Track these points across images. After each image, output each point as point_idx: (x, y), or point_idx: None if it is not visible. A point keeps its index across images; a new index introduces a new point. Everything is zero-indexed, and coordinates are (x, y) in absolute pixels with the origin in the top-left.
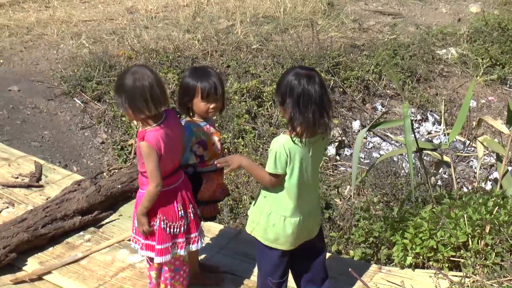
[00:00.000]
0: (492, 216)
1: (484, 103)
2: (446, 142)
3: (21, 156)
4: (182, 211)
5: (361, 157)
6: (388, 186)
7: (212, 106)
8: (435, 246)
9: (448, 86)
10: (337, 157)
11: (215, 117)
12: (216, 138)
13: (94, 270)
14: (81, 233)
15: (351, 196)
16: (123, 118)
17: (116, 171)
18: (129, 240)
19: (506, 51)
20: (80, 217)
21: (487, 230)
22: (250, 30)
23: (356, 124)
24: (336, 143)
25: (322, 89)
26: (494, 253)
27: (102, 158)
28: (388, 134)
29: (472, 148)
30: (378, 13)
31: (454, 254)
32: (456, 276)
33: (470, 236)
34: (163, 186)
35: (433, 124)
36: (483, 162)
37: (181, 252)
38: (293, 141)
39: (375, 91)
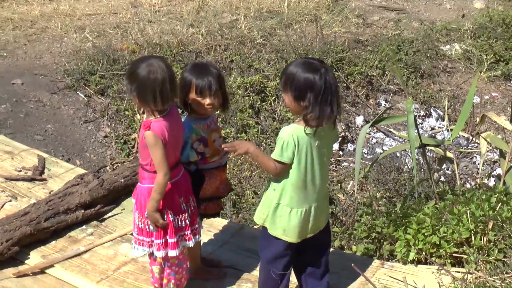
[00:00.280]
0: (495, 212)
1: (488, 99)
2: (449, 138)
3: (24, 149)
4: (184, 204)
5: (364, 152)
6: (391, 182)
7: (207, 102)
8: (437, 242)
9: (452, 82)
10: (340, 153)
11: (217, 113)
12: (217, 135)
13: (97, 264)
14: (84, 227)
15: (354, 191)
16: (126, 112)
17: (119, 165)
18: (134, 240)
19: (510, 47)
20: (82, 211)
21: (490, 226)
22: (254, 25)
23: (359, 120)
24: (339, 139)
25: (335, 79)
26: (496, 250)
27: (105, 152)
28: (391, 129)
29: (475, 144)
30: (382, 8)
31: (456, 250)
32: (459, 272)
33: (473, 232)
34: None
35: (437, 120)
36: (486, 158)
37: (190, 244)
38: (305, 132)
39: (378, 87)
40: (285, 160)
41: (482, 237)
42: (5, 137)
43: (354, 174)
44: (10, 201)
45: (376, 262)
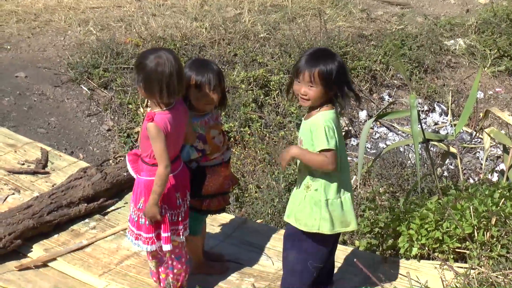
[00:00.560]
0: (498, 208)
1: (492, 94)
2: (452, 133)
3: (27, 142)
4: (180, 199)
5: (367, 147)
6: (394, 177)
7: (206, 99)
8: (440, 237)
9: (456, 77)
10: None
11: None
12: (216, 132)
13: (99, 257)
14: (87, 220)
15: (357, 186)
16: (130, 106)
17: (122, 158)
18: (129, 232)
19: None
20: (85, 205)
21: (493, 222)
22: (258, 19)
23: (363, 114)
24: (343, 133)
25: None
26: (499, 245)
27: (108, 146)
28: (395, 124)
29: (479, 140)
30: (386, 3)
31: (459, 245)
32: (462, 267)
33: (476, 227)
34: None
35: (440, 115)
36: (489, 154)
37: (181, 238)
38: (336, 114)
39: (382, 81)
40: (333, 147)
41: (485, 232)
42: (8, 130)
43: (357, 169)
44: (13, 194)
45: (378, 257)
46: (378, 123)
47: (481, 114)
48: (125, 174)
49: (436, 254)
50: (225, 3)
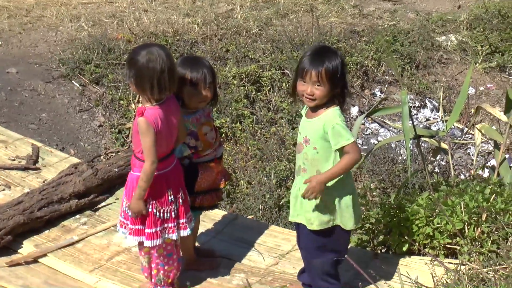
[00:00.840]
0: (489, 203)
1: (483, 90)
2: (444, 129)
3: (18, 138)
4: (172, 196)
5: (358, 143)
6: (385, 173)
7: (200, 97)
8: (431, 233)
9: (447, 73)
10: None
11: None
12: (208, 128)
13: (90, 253)
14: (77, 216)
15: None
16: (121, 102)
17: (113, 154)
18: (119, 224)
19: (505, 39)
20: (76, 200)
21: (484, 218)
22: (250, 15)
23: (354, 110)
24: None
25: None
26: (490, 241)
27: (99, 141)
28: (386, 120)
29: (470, 136)
30: None
31: (450, 241)
32: (452, 263)
33: (466, 223)
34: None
35: (432, 111)
36: (480, 150)
37: (173, 236)
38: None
39: (374, 77)
40: (353, 137)
41: (475, 228)
42: None
43: None
44: (4, 190)
45: (369, 253)
46: (369, 119)
47: (473, 110)
48: (116, 170)
49: (426, 250)
50: None
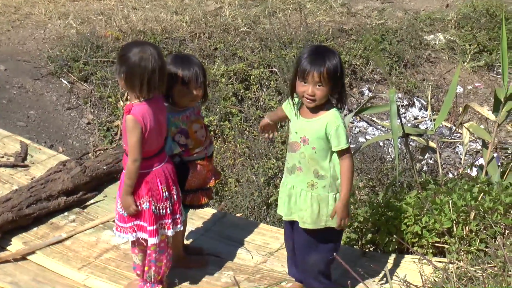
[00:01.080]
0: (477, 202)
1: (471, 89)
2: (432, 127)
3: (7, 135)
4: (166, 192)
5: None
6: (373, 171)
7: (191, 96)
8: (419, 232)
9: (435, 72)
10: None
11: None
12: (198, 126)
13: (78, 251)
14: (66, 213)
15: None
16: (110, 99)
17: (102, 152)
18: (115, 228)
19: (493, 38)
20: (65, 198)
21: (472, 217)
22: (238, 13)
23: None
24: None
25: None
26: (478, 240)
27: (88, 139)
28: (375, 119)
29: (458, 134)
30: None
31: (438, 240)
32: (440, 262)
33: (454, 222)
34: (148, 167)
35: (420, 109)
36: (468, 149)
37: (169, 232)
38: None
39: (362, 76)
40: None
41: (464, 227)
42: None
43: None
44: None
45: (358, 252)
46: (358, 117)
47: (461, 109)
48: (104, 167)
49: (415, 248)
50: None
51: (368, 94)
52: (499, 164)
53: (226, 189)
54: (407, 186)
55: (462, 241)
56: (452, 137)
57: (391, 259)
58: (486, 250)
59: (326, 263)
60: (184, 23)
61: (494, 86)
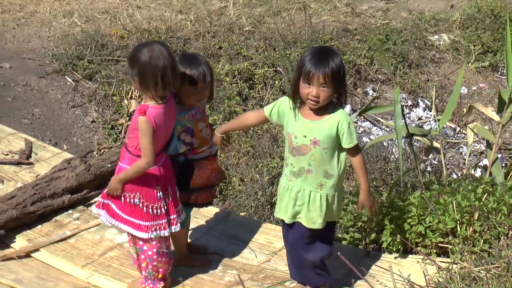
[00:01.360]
0: (481, 203)
1: (475, 90)
2: (436, 128)
3: (12, 133)
4: (160, 193)
5: None
6: (377, 171)
7: (199, 95)
8: (423, 232)
9: (440, 72)
10: None
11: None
12: (203, 124)
13: (82, 248)
14: (70, 211)
15: None
16: (114, 98)
17: (106, 150)
18: (97, 205)
19: (498, 38)
20: (69, 196)
21: (476, 217)
22: (243, 12)
23: (347, 109)
24: None
25: None
26: (482, 240)
27: (92, 137)
28: (379, 118)
29: (462, 135)
30: None
31: (442, 240)
32: (444, 262)
33: (458, 222)
34: None
35: (424, 110)
36: (473, 149)
37: (165, 233)
38: None
39: (366, 76)
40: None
41: (467, 227)
42: None
43: None
44: None
45: (361, 251)
46: (362, 117)
47: (465, 110)
48: (108, 165)
49: (418, 248)
50: None
51: (373, 94)
52: (503, 165)
53: (230, 188)
54: (411, 186)
55: (466, 242)
56: (456, 138)
57: (395, 259)
58: (490, 250)
59: (322, 259)
60: (189, 22)
61: (499, 87)
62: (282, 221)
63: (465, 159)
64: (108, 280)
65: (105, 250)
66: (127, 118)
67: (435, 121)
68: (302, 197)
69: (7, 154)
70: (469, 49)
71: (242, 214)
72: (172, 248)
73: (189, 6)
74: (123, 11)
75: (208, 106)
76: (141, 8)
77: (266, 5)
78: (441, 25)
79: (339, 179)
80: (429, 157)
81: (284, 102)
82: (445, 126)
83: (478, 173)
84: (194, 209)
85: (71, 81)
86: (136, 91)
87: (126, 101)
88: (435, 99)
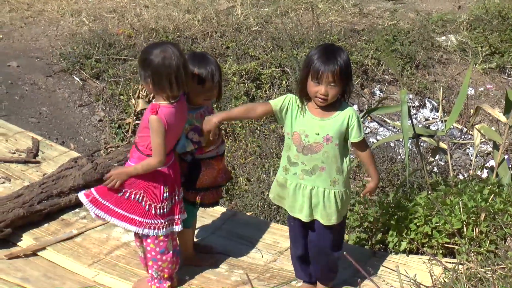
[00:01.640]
0: (488, 204)
1: (482, 91)
2: (443, 129)
3: (19, 131)
4: (167, 193)
5: None
6: (384, 172)
7: (207, 94)
8: (429, 232)
9: (447, 73)
10: None
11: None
12: None
13: (89, 247)
14: (77, 210)
15: None
16: (121, 97)
17: (113, 149)
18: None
19: (505, 40)
20: (76, 194)
21: (482, 218)
22: (251, 12)
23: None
24: None
25: None
26: (488, 241)
27: (99, 136)
28: (386, 119)
29: (469, 136)
30: None
31: (448, 240)
32: (450, 262)
33: (465, 223)
34: None
35: (431, 111)
36: (479, 150)
37: (162, 232)
38: None
39: (373, 76)
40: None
41: (474, 228)
42: None
43: None
44: (4, 183)
45: (368, 251)
46: (369, 118)
47: (472, 111)
48: (115, 164)
49: (425, 249)
50: None
51: (380, 94)
52: (510, 166)
53: (237, 187)
54: (418, 187)
55: (472, 242)
56: (463, 139)
57: (401, 259)
58: (496, 251)
59: (338, 257)
60: (196, 22)
61: (506, 88)
62: (293, 219)
63: (471, 160)
64: (114, 279)
65: (111, 249)
66: (134, 117)
67: (442, 122)
68: (316, 195)
69: (14, 153)
70: (476, 50)
71: (248, 213)
72: (179, 248)
73: (196, 5)
74: (131, 10)
75: (215, 106)
76: (149, 8)
77: (274, 5)
78: (448, 26)
79: (347, 175)
80: (436, 158)
81: (292, 99)
82: (452, 127)
83: (484, 174)
84: (201, 209)
85: (79, 80)
86: (143, 90)
87: (133, 100)
88: (442, 100)
